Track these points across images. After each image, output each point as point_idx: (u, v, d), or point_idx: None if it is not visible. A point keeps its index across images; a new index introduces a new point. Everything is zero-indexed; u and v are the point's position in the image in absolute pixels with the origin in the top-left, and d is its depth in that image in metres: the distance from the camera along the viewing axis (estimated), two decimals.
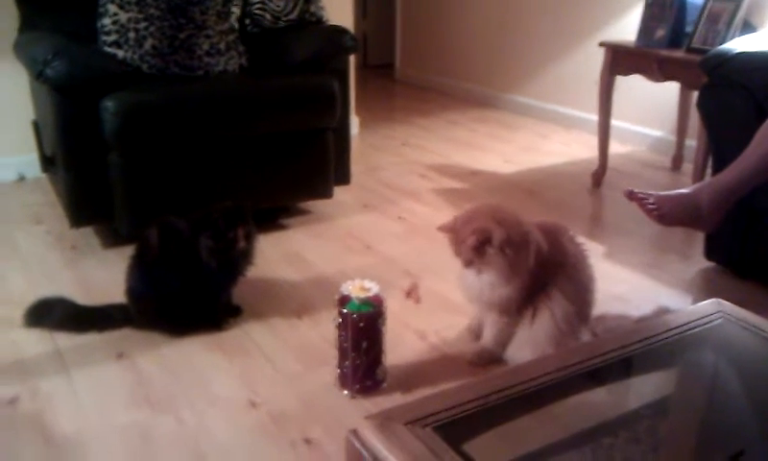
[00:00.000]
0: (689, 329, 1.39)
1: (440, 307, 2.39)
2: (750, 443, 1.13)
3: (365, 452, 1.03)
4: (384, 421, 1.06)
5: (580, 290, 1.94)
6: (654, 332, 1.37)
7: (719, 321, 1.43)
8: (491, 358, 2.05)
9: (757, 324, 1.40)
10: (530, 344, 1.96)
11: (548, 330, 1.92)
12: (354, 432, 1.06)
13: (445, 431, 1.05)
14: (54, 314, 2.20)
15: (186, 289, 2.16)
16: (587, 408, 1.24)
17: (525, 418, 1.19)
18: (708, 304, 1.47)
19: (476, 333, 2.16)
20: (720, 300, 1.49)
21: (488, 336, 2.05)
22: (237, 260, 2.20)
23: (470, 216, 1.96)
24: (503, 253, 1.87)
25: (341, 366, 1.93)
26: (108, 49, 2.84)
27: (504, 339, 2.02)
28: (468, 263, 1.92)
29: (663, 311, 2.33)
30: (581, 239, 2.03)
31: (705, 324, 1.41)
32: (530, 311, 1.95)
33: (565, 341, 1.90)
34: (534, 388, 1.20)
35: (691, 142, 3.62)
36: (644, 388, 1.32)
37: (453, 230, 1.94)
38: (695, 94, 2.72)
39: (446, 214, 1.99)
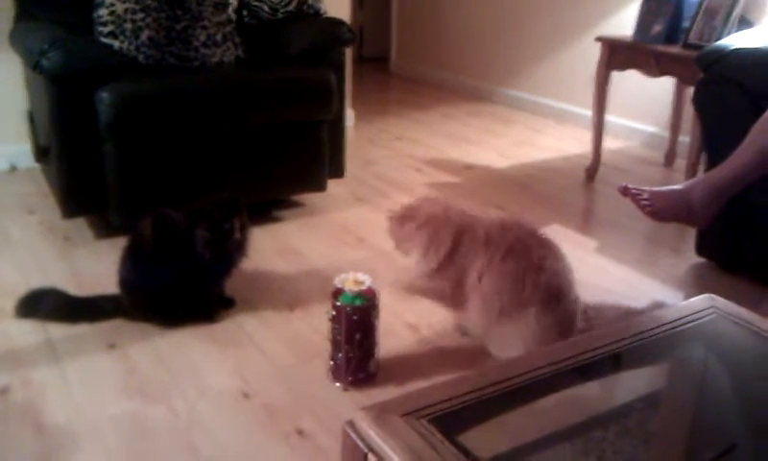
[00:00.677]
0: (682, 325, 1.40)
1: (432, 301, 2.39)
2: (742, 437, 1.14)
3: (361, 443, 1.03)
4: (380, 412, 1.06)
5: (512, 278, 1.96)
6: (646, 327, 1.38)
7: (712, 316, 1.43)
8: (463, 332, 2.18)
9: (749, 319, 1.41)
10: (480, 329, 2.03)
11: (481, 316, 1.99)
12: (350, 423, 1.06)
13: (441, 423, 1.05)
14: (45, 304, 2.20)
15: (179, 281, 2.16)
16: (580, 402, 1.24)
17: (520, 410, 1.19)
18: (701, 300, 1.48)
19: (464, 330, 2.17)
20: (712, 295, 1.49)
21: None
22: (231, 252, 2.20)
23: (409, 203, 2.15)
24: (422, 230, 2.01)
25: (334, 358, 1.93)
26: (104, 40, 2.83)
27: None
28: (397, 243, 2.07)
29: (657, 306, 2.35)
30: (535, 227, 2.07)
31: (697, 319, 1.42)
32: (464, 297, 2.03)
33: (505, 328, 1.96)
34: (528, 381, 1.20)
35: (685, 138, 3.63)
36: (636, 382, 1.33)
37: (393, 214, 2.12)
38: (690, 90, 2.73)
39: None
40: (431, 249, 1.98)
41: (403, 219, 1.98)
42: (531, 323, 1.93)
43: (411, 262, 2.05)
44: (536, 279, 1.96)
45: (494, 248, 1.96)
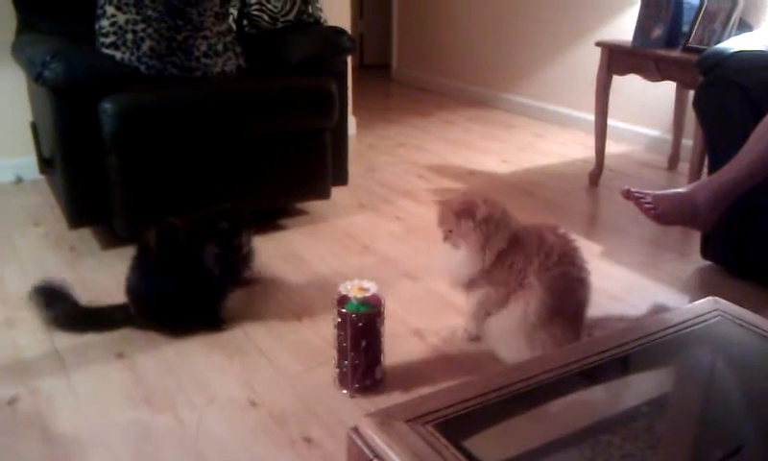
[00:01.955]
0: (686, 327, 1.40)
1: (438, 307, 2.39)
2: (748, 438, 1.14)
3: (366, 449, 1.03)
4: (385, 418, 1.06)
5: (558, 283, 1.95)
6: (651, 330, 1.38)
7: (716, 319, 1.43)
8: (472, 336, 2.16)
9: (754, 321, 1.41)
10: (503, 332, 2.01)
11: (518, 319, 1.96)
12: (355, 430, 1.06)
13: (446, 428, 1.06)
14: (56, 308, 2.20)
15: (185, 290, 2.17)
16: (585, 406, 1.24)
17: (525, 415, 1.20)
18: (705, 303, 1.48)
19: (472, 335, 2.17)
20: (717, 298, 1.49)
21: (468, 316, 2.15)
22: (239, 265, 2.21)
23: (463, 194, 2.12)
24: (480, 228, 1.96)
25: (340, 366, 1.94)
26: (105, 51, 2.85)
27: (480, 317, 2.09)
28: (446, 235, 2.03)
29: (659, 309, 2.35)
30: (574, 237, 2.04)
31: (702, 322, 1.42)
32: (507, 299, 1.99)
33: (536, 334, 1.94)
34: (533, 386, 1.21)
35: (688, 141, 3.63)
36: (642, 386, 1.33)
37: (444, 203, 2.04)
38: (692, 93, 2.73)
39: None
40: (486, 249, 1.98)
41: (461, 213, 1.97)
42: (557, 334, 1.93)
43: (453, 259, 2.04)
44: (576, 291, 1.98)
45: (547, 253, 1.95)
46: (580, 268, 1.99)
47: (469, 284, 2.06)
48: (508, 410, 1.17)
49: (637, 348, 1.33)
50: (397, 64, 6.64)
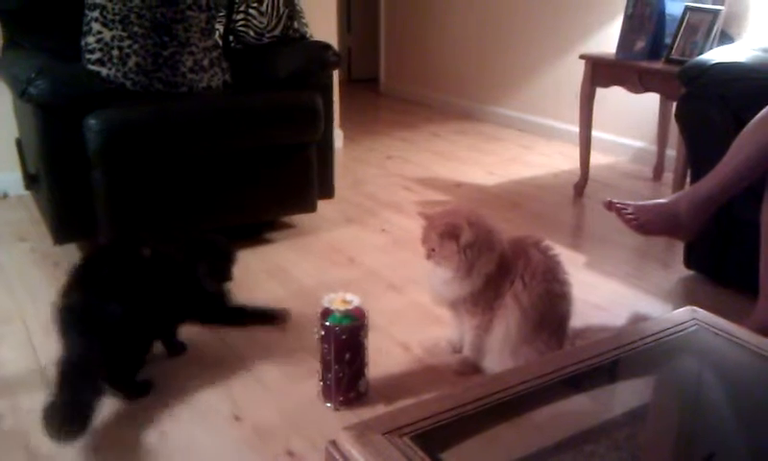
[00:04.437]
0: (664, 337, 1.41)
1: (423, 319, 2.40)
2: (720, 446, 1.15)
3: None
4: (362, 431, 1.07)
5: (541, 300, 1.95)
6: (629, 340, 1.39)
7: (693, 328, 1.45)
8: (473, 367, 2.08)
9: (730, 330, 1.43)
10: (491, 352, 2.01)
11: (501, 338, 1.96)
12: (333, 443, 1.07)
13: (423, 440, 1.06)
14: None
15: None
16: (563, 416, 1.25)
17: (503, 426, 1.20)
18: (683, 312, 1.50)
19: (456, 347, 2.17)
20: (694, 307, 1.51)
21: (465, 344, 2.09)
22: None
23: (448, 211, 2.04)
24: (464, 253, 1.92)
25: (324, 379, 1.94)
26: (91, 67, 2.85)
27: (479, 346, 2.04)
28: (428, 253, 1.98)
29: (640, 319, 2.36)
30: (556, 250, 2.04)
31: (679, 331, 1.44)
32: (492, 319, 1.99)
33: (520, 349, 1.94)
34: (511, 396, 1.21)
35: (672, 152, 3.66)
36: (620, 395, 1.34)
37: (429, 219, 2.00)
38: (675, 105, 2.75)
39: None
40: (473, 273, 1.96)
41: (444, 235, 1.94)
42: (541, 348, 1.93)
43: (437, 278, 2.02)
44: (559, 306, 1.98)
45: (532, 273, 1.95)
46: (562, 283, 1.99)
47: (453, 303, 2.06)
48: (486, 422, 1.18)
49: (615, 357, 1.35)
50: (385, 78, 6.67)
